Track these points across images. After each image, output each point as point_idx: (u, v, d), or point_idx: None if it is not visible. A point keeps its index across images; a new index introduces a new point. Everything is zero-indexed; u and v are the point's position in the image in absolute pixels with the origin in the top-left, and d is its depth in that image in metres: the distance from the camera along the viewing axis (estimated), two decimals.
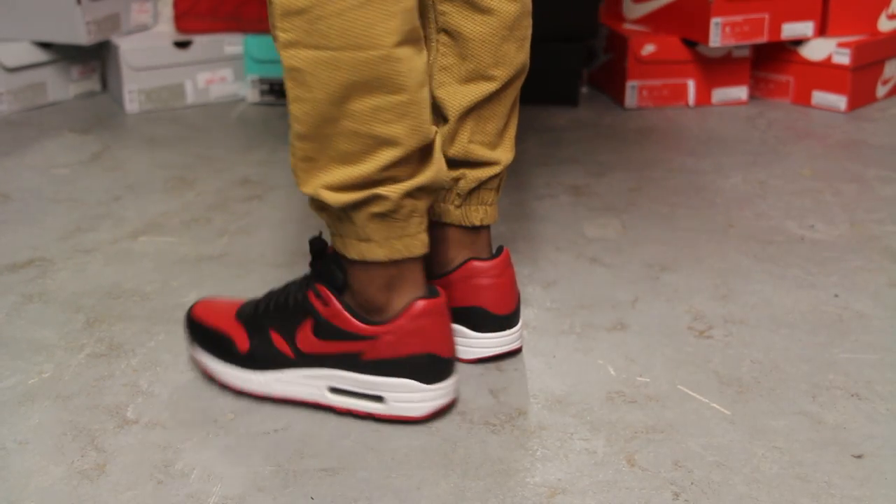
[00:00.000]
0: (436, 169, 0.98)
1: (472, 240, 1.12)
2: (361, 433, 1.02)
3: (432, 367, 1.00)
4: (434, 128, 0.97)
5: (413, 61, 0.92)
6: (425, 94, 0.94)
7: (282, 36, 0.91)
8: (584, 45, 2.20)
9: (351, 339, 1.00)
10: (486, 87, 1.06)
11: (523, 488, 0.93)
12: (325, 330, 1.00)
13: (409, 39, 0.92)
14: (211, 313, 1.09)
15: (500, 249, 1.12)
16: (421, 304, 0.98)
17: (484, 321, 1.11)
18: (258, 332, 1.05)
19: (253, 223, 1.54)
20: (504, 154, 1.11)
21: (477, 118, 1.07)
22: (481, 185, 1.11)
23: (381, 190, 0.95)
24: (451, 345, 1.02)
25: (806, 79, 2.11)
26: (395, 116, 0.92)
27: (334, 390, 1.03)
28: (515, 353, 1.14)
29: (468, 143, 1.08)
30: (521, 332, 1.15)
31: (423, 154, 0.97)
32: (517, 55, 1.06)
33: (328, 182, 0.95)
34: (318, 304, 1.01)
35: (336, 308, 0.99)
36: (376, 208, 0.96)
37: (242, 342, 1.05)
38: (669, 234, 1.49)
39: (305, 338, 1.02)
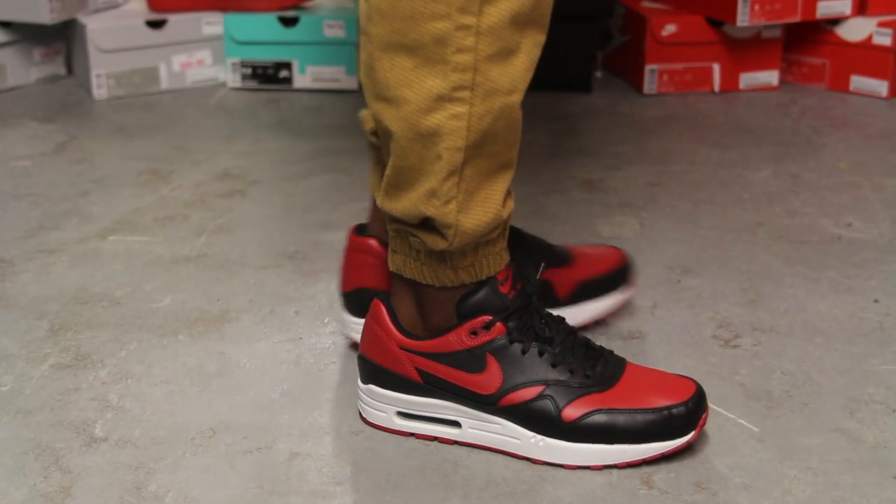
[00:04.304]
0: None
1: None
2: (352, 451, 1.02)
3: None
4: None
5: None
6: None
7: None
8: (599, 25, 2.20)
9: None
10: None
11: None
12: None
13: None
14: None
15: None
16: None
17: None
18: None
19: (234, 221, 1.55)
20: None
21: None
22: None
23: None
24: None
25: (843, 62, 2.11)
26: None
27: None
28: None
29: None
30: None
31: None
32: None
33: None
34: None
35: None
36: None
37: None
38: (692, 233, 1.49)
39: None
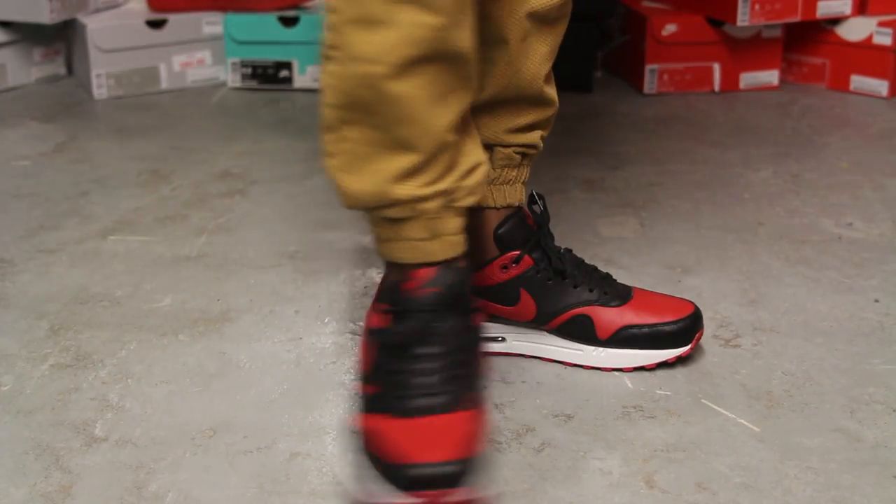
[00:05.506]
0: None
1: None
2: (352, 451, 1.02)
3: None
4: None
5: None
6: None
7: None
8: (599, 24, 2.20)
9: None
10: None
11: None
12: None
13: None
14: None
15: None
16: None
17: None
18: None
19: (234, 220, 1.55)
20: None
21: None
22: None
23: None
24: None
25: (843, 61, 2.11)
26: None
27: None
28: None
29: None
30: None
31: None
32: None
33: None
34: None
35: None
36: None
37: None
38: (692, 233, 1.49)
39: None
